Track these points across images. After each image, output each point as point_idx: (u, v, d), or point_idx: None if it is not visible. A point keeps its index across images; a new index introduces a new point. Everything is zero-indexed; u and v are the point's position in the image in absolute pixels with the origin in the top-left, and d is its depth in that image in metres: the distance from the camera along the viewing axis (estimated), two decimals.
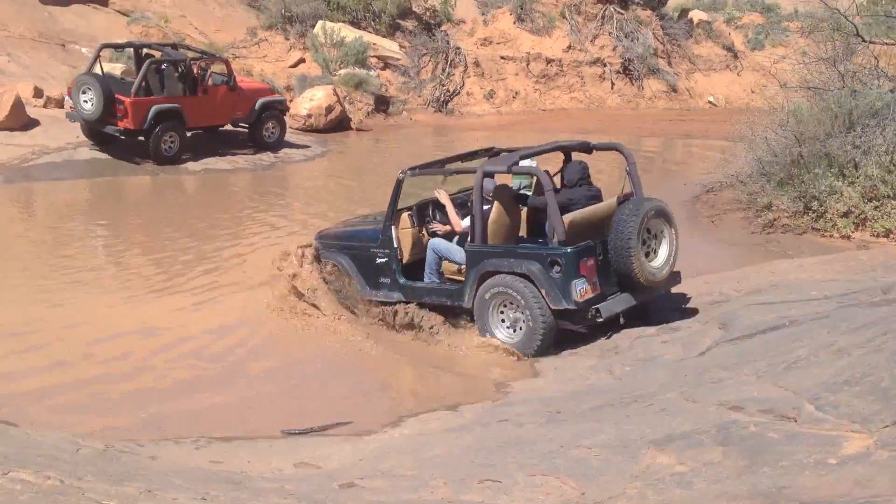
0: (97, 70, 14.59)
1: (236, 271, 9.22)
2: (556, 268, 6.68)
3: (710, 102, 27.72)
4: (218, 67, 15.45)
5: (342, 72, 21.29)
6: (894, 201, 10.86)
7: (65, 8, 21.35)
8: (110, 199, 11.90)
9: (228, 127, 15.87)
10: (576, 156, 8.07)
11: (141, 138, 14.18)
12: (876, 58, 12.90)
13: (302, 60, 22.39)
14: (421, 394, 6.72)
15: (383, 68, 23.43)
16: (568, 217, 6.88)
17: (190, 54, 15.23)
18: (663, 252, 7.06)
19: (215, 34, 23.51)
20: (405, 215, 7.89)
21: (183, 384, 6.62)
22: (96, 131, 14.47)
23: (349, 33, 22.62)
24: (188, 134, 14.72)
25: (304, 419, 6.09)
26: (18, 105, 14.33)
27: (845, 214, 11.07)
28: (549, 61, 25.42)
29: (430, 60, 24.41)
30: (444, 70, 24.08)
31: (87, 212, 11.36)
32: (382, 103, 21.79)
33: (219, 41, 22.52)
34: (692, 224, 12.67)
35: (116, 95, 13.73)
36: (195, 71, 14.82)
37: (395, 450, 5.26)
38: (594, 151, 8.05)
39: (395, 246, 7.70)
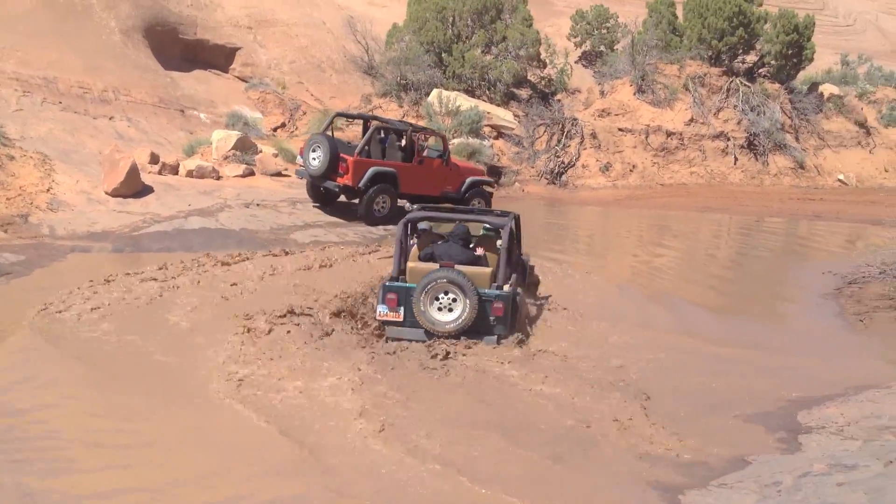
0: (328, 133, 15.61)
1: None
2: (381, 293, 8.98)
3: (840, 181, 26.27)
4: (437, 143, 16.53)
5: (456, 141, 20.87)
6: None
7: (186, 73, 21.71)
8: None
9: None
10: None
11: (355, 200, 15.16)
12: None
13: None
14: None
15: (496, 137, 22.95)
16: (412, 263, 9.30)
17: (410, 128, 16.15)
18: (455, 312, 8.75)
19: (330, 100, 23.55)
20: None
21: None
22: (317, 189, 15.54)
23: (464, 102, 22.28)
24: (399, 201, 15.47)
25: None
26: (133, 172, 14.26)
27: None
28: (669, 134, 24.52)
29: (545, 131, 23.81)
30: (559, 141, 23.42)
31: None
32: (494, 174, 21.22)
33: (333, 107, 22.48)
34: (840, 322, 11.48)
35: (341, 154, 14.76)
36: (414, 142, 15.68)
37: None
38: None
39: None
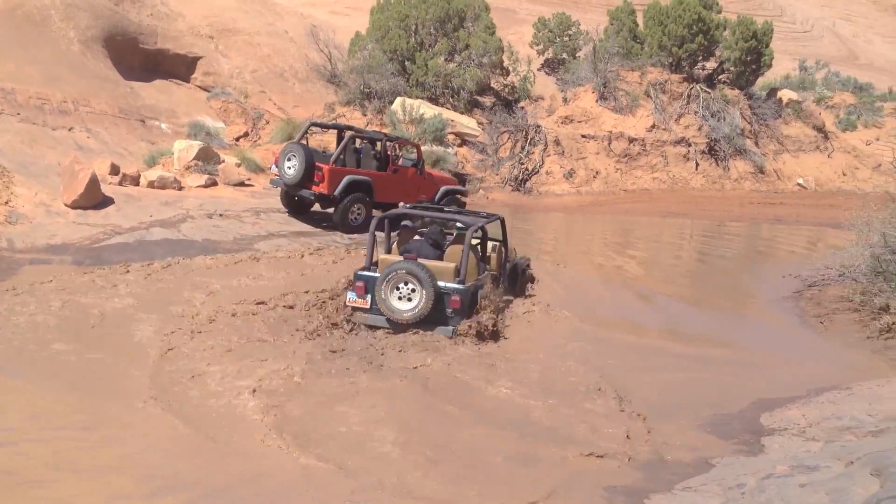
0: (303, 142, 15.72)
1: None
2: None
3: (799, 185, 26.63)
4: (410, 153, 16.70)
5: None
6: None
7: (147, 83, 21.50)
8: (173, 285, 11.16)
9: None
10: None
11: (330, 210, 15.22)
12: None
13: None
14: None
15: (461, 145, 22.98)
16: (384, 255, 10.03)
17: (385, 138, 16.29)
18: (413, 301, 9.30)
19: (293, 109, 23.44)
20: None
21: None
22: (292, 198, 15.60)
23: (428, 110, 22.28)
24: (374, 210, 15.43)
25: None
26: (93, 183, 14.05)
27: None
28: (631, 140, 24.71)
29: (509, 138, 23.89)
30: (523, 148, 23.51)
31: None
32: (459, 181, 21.23)
33: (296, 116, 22.39)
34: (802, 325, 11.63)
35: (316, 163, 14.78)
36: (389, 151, 15.79)
37: None
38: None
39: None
